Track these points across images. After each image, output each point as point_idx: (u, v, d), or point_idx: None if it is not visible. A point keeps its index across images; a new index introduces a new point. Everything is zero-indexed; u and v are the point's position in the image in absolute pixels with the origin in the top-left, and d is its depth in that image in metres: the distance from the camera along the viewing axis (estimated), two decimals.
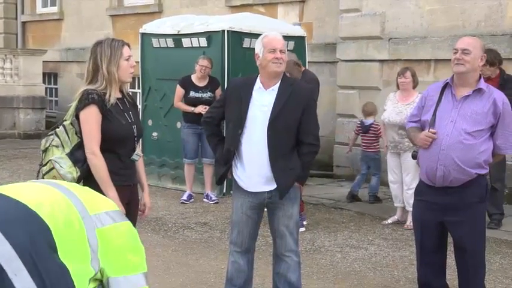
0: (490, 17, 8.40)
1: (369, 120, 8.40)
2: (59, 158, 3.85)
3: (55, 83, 16.55)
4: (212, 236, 6.71)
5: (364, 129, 8.45)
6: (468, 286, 4.47)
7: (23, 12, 17.22)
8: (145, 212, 4.19)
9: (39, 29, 16.82)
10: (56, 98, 16.54)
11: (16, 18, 17.29)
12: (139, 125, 4.10)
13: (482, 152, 4.22)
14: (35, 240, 1.89)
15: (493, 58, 6.84)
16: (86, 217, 2.06)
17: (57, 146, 3.90)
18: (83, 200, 2.13)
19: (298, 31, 9.54)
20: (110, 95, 3.77)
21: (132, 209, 3.97)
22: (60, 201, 2.08)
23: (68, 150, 3.86)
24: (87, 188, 2.31)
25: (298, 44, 8.93)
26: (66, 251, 1.93)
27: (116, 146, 3.85)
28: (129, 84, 4.22)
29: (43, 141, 3.97)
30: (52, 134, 3.95)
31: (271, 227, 4.40)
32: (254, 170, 4.23)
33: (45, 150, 3.92)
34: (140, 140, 4.19)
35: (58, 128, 3.96)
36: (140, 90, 10.00)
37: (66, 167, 3.82)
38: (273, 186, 4.21)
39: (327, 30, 10.67)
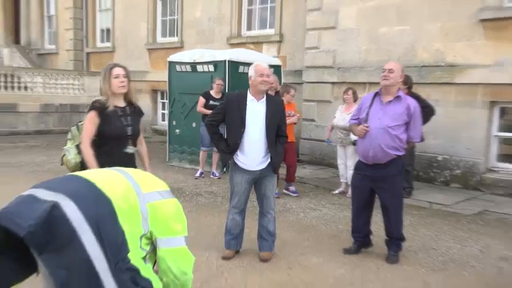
0: (406, 54, 8.48)
1: None
2: (69, 148, 3.85)
3: None
4: (216, 201, 6.74)
5: None
6: (391, 234, 4.58)
7: (87, 46, 17.19)
8: None
9: (97, 58, 16.77)
10: None
11: (82, 50, 17.25)
12: (136, 127, 3.85)
13: (399, 140, 4.37)
14: (99, 209, 1.90)
15: (407, 80, 6.94)
16: (140, 194, 2.06)
17: (70, 139, 3.89)
18: (139, 182, 2.12)
19: (276, 62, 9.58)
20: (109, 104, 3.69)
21: None
22: (121, 182, 2.09)
23: (77, 142, 3.82)
24: (147, 173, 2.27)
25: (276, 70, 8.88)
26: (123, 217, 1.95)
27: (110, 141, 3.70)
28: (135, 96, 3.94)
29: (67, 135, 3.95)
30: (71, 131, 3.93)
31: (258, 193, 4.47)
32: (253, 155, 4.29)
33: (66, 141, 3.92)
34: (138, 137, 3.91)
35: (74, 126, 3.95)
36: (168, 101, 10.03)
37: (72, 154, 3.80)
38: (263, 166, 4.31)
39: (296, 61, 10.70)
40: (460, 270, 4.42)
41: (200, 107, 8.18)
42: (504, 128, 7.93)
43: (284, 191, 7.23)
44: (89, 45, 17.14)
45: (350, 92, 7.15)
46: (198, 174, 8.41)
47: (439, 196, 7.33)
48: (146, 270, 1.96)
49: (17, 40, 19.90)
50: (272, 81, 7.50)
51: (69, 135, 3.92)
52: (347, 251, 4.73)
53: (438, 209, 6.68)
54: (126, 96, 3.82)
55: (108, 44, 16.37)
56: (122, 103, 3.79)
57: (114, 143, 3.71)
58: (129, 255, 1.91)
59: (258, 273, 4.18)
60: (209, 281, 3.95)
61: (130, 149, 3.80)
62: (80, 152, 3.74)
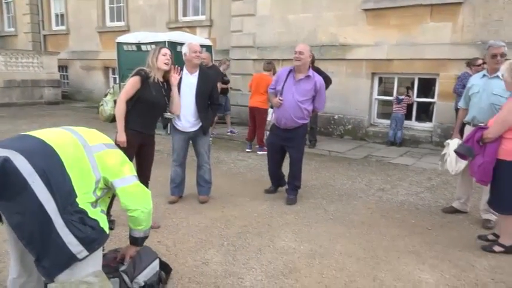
0: (309, 36, 8.50)
1: (401, 96, 7.62)
2: (108, 100, 3.58)
3: (66, 71, 15.25)
4: (162, 157, 6.49)
5: (398, 101, 7.59)
6: (293, 175, 4.51)
7: (43, 29, 15.60)
8: None
9: (54, 39, 15.39)
10: (67, 81, 15.24)
11: (39, 32, 15.67)
12: (168, 98, 3.69)
13: (306, 111, 4.28)
14: (47, 162, 1.80)
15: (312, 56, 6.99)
16: (86, 146, 1.98)
17: (111, 93, 3.63)
18: (85, 137, 2.03)
19: (208, 42, 9.22)
20: (152, 75, 3.48)
21: (144, 150, 3.61)
22: (68, 138, 1.98)
23: (115, 97, 3.54)
24: (94, 130, 2.15)
25: (208, 49, 8.64)
26: (71, 167, 1.87)
27: (145, 105, 3.47)
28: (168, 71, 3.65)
29: (108, 89, 3.69)
30: (113, 87, 3.71)
31: (195, 150, 4.35)
32: (186, 119, 4.12)
33: (106, 94, 3.64)
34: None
35: (116, 84, 3.67)
36: (117, 76, 9.43)
37: (109, 106, 3.55)
38: (195, 128, 4.14)
39: (224, 42, 10.43)
40: (351, 200, 4.63)
41: None
42: (381, 92, 8.31)
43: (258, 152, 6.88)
44: (45, 28, 15.58)
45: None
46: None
47: (336, 145, 7.54)
48: (94, 213, 1.88)
49: None
50: (204, 57, 7.35)
51: (111, 90, 3.65)
52: (267, 191, 4.77)
53: (335, 155, 6.88)
54: (165, 74, 3.60)
55: (63, 28, 15.00)
56: (161, 78, 3.57)
57: (148, 108, 3.45)
58: (77, 200, 1.83)
59: (198, 212, 4.13)
60: (159, 221, 3.83)
61: (168, 115, 3.72)
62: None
